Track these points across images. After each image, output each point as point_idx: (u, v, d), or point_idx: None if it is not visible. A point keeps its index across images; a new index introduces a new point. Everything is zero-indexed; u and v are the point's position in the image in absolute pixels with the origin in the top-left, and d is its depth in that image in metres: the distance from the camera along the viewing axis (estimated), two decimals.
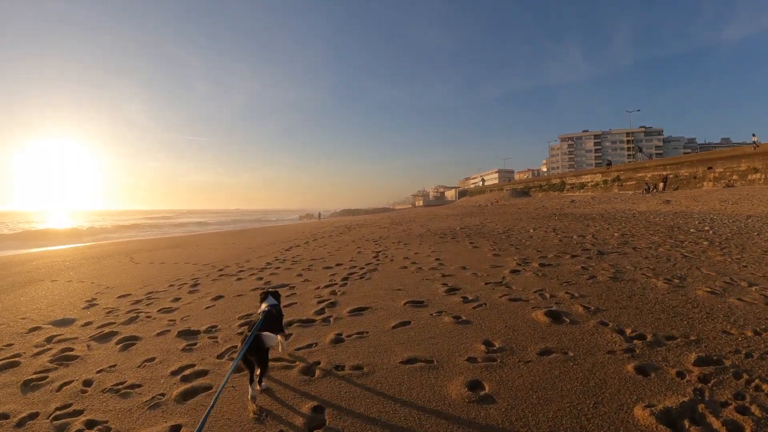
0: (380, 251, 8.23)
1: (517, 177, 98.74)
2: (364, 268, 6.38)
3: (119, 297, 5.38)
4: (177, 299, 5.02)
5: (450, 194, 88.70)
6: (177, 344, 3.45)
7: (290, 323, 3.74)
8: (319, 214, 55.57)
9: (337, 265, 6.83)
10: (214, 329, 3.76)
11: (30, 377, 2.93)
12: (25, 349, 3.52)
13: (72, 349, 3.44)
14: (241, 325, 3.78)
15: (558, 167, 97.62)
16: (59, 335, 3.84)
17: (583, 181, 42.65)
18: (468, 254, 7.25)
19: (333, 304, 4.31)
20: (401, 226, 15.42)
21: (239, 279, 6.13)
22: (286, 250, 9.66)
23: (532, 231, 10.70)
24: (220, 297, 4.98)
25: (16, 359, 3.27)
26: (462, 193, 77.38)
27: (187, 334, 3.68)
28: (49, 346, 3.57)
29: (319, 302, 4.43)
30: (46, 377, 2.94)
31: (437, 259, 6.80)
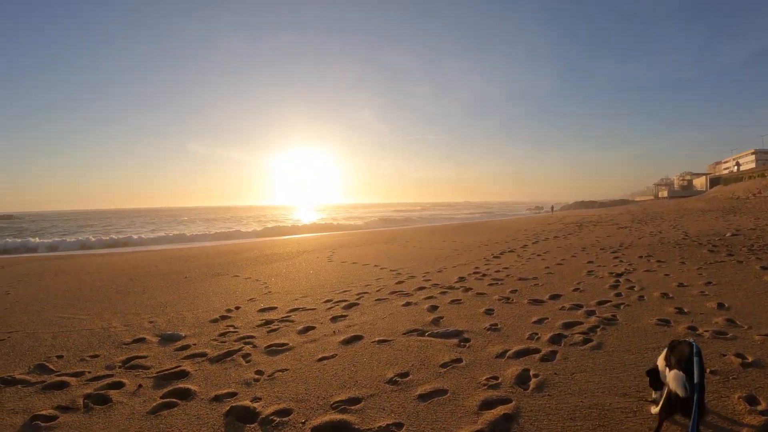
0: (622, 274, 5.22)
1: None
2: (594, 311, 3.62)
3: (260, 310, 4.33)
4: (307, 329, 3.55)
5: (699, 183, 67.40)
6: None
7: None
8: (552, 207, 50.27)
9: (552, 297, 4.23)
10: (282, 419, 1.96)
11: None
12: (96, 369, 2.85)
13: (121, 386, 2.55)
14: (318, 428, 1.83)
15: None
16: (142, 358, 3.07)
17: None
18: None
19: (508, 422, 1.86)
20: (647, 227, 11.50)
21: (408, 303, 4.30)
22: (494, 256, 7.44)
23: None
24: (356, 339, 3.24)
25: (70, 380, 2.66)
26: (714, 181, 57.29)
27: (242, 417, 2.02)
28: (116, 371, 2.81)
29: (483, 405, 2.05)
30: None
31: (720, 306, 3.53)
